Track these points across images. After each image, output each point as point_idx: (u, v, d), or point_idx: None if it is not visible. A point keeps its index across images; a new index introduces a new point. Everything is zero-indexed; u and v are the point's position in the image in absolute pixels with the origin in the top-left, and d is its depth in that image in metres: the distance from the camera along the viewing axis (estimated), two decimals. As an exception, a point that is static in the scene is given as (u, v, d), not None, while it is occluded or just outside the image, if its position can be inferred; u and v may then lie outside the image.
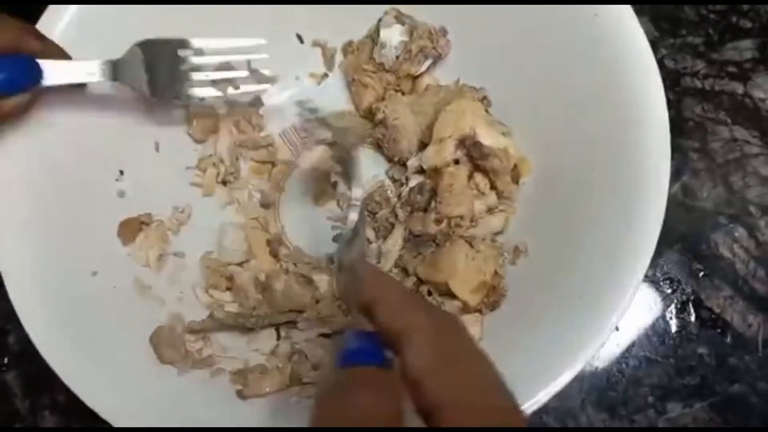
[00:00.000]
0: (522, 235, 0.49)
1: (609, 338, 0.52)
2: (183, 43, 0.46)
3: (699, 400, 0.52)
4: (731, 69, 0.60)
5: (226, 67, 0.48)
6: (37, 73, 0.41)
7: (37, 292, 0.43)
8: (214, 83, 0.48)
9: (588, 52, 0.47)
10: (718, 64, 0.60)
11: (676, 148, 0.56)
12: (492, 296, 0.46)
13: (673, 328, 0.54)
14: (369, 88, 0.54)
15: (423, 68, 0.54)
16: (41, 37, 0.42)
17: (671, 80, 0.59)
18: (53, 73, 0.41)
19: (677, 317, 0.54)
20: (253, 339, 0.49)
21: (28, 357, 0.54)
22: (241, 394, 0.45)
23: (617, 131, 0.45)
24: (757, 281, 0.55)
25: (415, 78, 0.54)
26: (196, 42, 0.47)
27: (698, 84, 0.59)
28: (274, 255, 0.52)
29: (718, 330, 0.54)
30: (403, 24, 0.53)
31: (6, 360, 0.54)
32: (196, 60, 0.47)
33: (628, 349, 0.53)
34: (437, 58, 0.54)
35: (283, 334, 0.50)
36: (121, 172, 0.49)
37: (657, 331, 0.54)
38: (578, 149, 0.48)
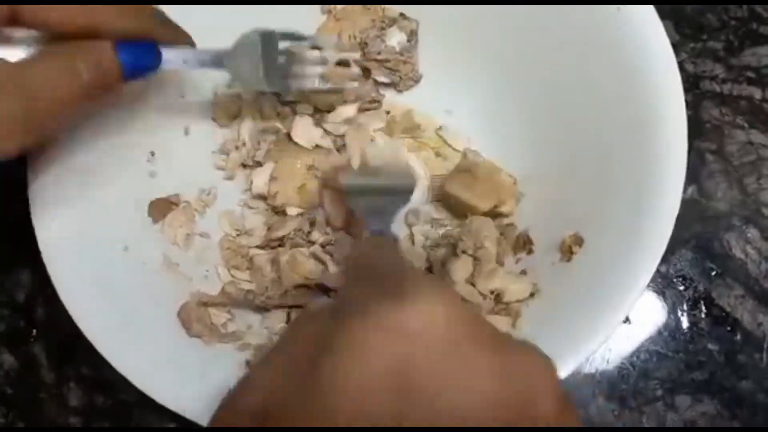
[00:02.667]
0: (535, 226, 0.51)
1: (621, 332, 0.54)
2: (278, 35, 0.48)
3: (707, 395, 0.53)
4: (750, 74, 0.61)
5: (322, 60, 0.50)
6: (159, 59, 0.42)
7: (72, 262, 0.44)
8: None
9: (609, 51, 0.48)
10: (737, 69, 0.61)
11: (693, 150, 0.58)
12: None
13: (685, 325, 0.55)
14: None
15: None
16: (170, 24, 0.42)
17: (691, 83, 0.60)
18: (171, 60, 0.42)
19: (689, 314, 0.55)
20: (267, 318, 0.51)
21: (56, 330, 0.56)
22: (249, 365, 0.46)
23: (635, 129, 0.46)
24: (767, 282, 0.56)
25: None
26: (288, 32, 0.48)
27: (717, 88, 0.60)
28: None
29: (728, 328, 0.55)
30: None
31: (34, 332, 0.56)
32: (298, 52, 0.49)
33: (640, 343, 0.55)
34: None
35: (294, 315, 0.51)
36: (152, 154, 0.51)
37: (668, 327, 0.55)
38: (595, 144, 0.49)
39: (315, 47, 0.50)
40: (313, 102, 0.54)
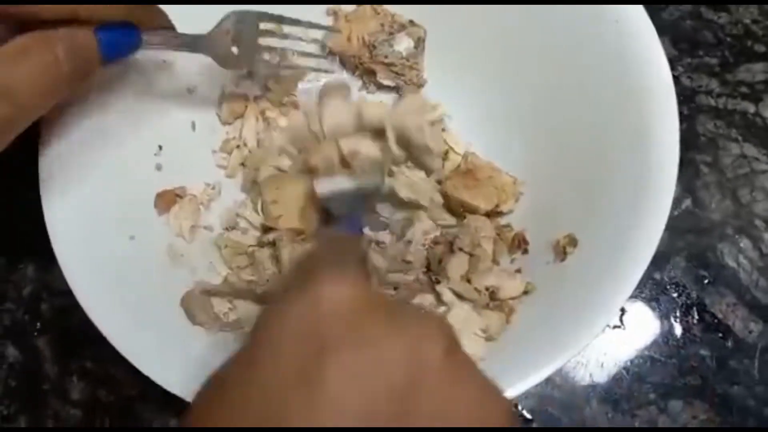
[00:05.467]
0: (530, 226, 0.52)
1: (615, 337, 0.55)
2: (264, 16, 0.49)
3: (699, 400, 0.54)
4: (744, 89, 0.62)
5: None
6: (138, 42, 0.41)
7: (81, 251, 0.45)
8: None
9: (607, 62, 0.50)
10: (732, 85, 0.62)
11: (688, 162, 0.59)
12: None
13: (677, 331, 0.56)
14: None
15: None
16: (149, 7, 0.42)
17: (686, 97, 0.62)
18: (150, 42, 0.42)
19: (681, 320, 0.56)
20: (267, 310, 0.51)
21: (60, 324, 0.56)
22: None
23: (630, 136, 0.48)
24: (759, 290, 0.57)
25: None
26: (274, 14, 0.49)
27: (712, 102, 0.62)
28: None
29: (720, 334, 0.56)
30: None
31: (38, 325, 0.57)
32: (272, 29, 0.50)
33: (634, 349, 0.55)
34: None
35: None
36: (160, 147, 0.52)
37: (662, 333, 0.56)
38: (591, 150, 0.50)
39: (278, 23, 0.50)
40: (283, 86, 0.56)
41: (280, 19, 0.50)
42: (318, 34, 0.56)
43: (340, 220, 0.48)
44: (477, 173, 0.52)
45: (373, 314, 0.30)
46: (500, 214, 0.53)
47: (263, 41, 0.50)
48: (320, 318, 0.29)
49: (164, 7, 0.43)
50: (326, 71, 0.56)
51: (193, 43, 0.45)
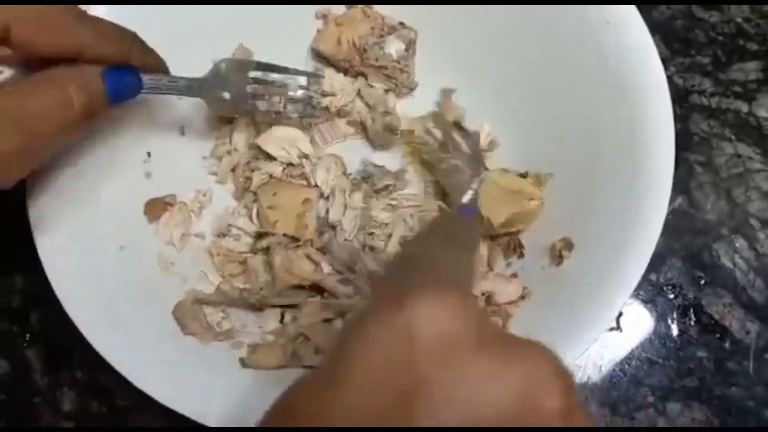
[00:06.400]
0: (526, 234, 0.52)
1: (613, 340, 0.55)
2: (253, 65, 0.51)
3: (697, 401, 0.54)
4: (737, 89, 0.62)
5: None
6: (139, 86, 0.43)
7: (69, 261, 0.45)
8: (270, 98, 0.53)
9: (600, 63, 0.49)
10: (725, 84, 0.62)
11: (682, 162, 0.59)
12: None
13: (675, 332, 0.55)
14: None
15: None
16: (148, 50, 0.44)
17: (680, 97, 0.61)
18: (150, 85, 0.44)
19: (678, 322, 0.56)
20: (260, 317, 0.51)
21: (50, 335, 0.56)
22: (243, 362, 0.46)
23: (625, 138, 0.47)
24: (755, 291, 0.56)
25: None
26: (262, 62, 0.52)
27: (705, 101, 0.62)
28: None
29: (717, 335, 0.55)
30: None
31: (28, 336, 0.56)
32: (261, 77, 0.52)
33: (631, 351, 0.55)
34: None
35: (288, 318, 0.51)
36: (149, 155, 0.51)
37: (659, 334, 0.55)
38: (586, 153, 0.50)
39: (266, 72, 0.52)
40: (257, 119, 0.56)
41: (269, 67, 0.52)
42: (304, 80, 0.56)
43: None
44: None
45: (477, 350, 0.26)
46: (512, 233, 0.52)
47: (252, 89, 0.51)
48: (415, 353, 0.26)
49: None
50: (313, 117, 0.56)
51: (187, 88, 0.47)
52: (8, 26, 0.36)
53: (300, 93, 0.54)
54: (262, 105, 0.52)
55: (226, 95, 0.49)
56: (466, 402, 0.25)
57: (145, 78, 0.43)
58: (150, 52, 0.44)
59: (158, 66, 0.45)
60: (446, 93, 0.56)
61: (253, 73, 0.51)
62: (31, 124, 0.36)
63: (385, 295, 0.29)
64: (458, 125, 0.54)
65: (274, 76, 0.52)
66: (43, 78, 0.38)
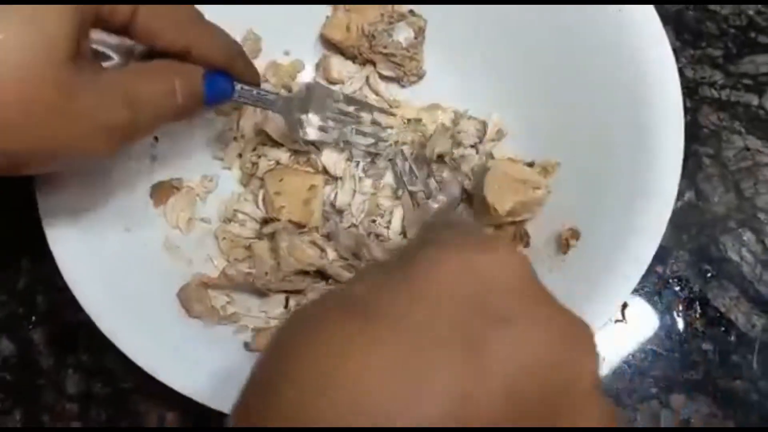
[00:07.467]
0: (532, 223, 0.51)
1: (617, 331, 0.55)
2: (339, 95, 0.53)
3: (702, 394, 0.53)
4: (747, 81, 0.62)
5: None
6: (231, 93, 0.45)
7: (75, 243, 0.45)
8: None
9: (610, 51, 0.49)
10: (735, 76, 0.62)
11: (691, 154, 0.58)
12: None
13: (680, 325, 0.55)
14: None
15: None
16: (249, 63, 0.46)
17: (690, 89, 0.61)
18: (241, 95, 0.46)
19: (684, 314, 0.56)
20: (265, 302, 0.51)
21: (55, 317, 0.56)
22: (248, 347, 0.47)
23: (634, 128, 0.47)
24: (762, 284, 0.56)
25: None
26: (347, 93, 0.54)
27: (715, 94, 0.61)
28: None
29: (723, 329, 0.55)
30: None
31: (33, 318, 0.56)
32: (338, 107, 0.53)
33: (636, 343, 0.55)
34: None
35: (292, 303, 0.51)
36: (156, 139, 0.52)
37: (664, 327, 0.55)
38: (594, 142, 0.50)
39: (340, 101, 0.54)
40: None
41: (351, 100, 0.54)
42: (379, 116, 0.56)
43: None
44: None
45: (547, 303, 0.28)
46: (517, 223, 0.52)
47: (333, 116, 0.53)
48: (499, 284, 0.27)
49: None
50: (378, 153, 0.56)
51: (274, 103, 0.48)
52: (136, 15, 0.37)
53: (370, 128, 0.55)
54: (334, 133, 0.53)
55: (305, 117, 0.51)
56: (533, 341, 0.26)
57: (238, 87, 0.45)
58: (251, 65, 0.46)
59: (254, 79, 0.47)
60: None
61: (336, 104, 0.53)
62: (139, 105, 0.37)
63: (457, 241, 0.29)
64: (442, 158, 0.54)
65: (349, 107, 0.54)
66: (153, 67, 0.40)
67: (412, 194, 0.54)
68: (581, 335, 0.27)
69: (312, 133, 0.52)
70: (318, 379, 0.24)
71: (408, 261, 0.28)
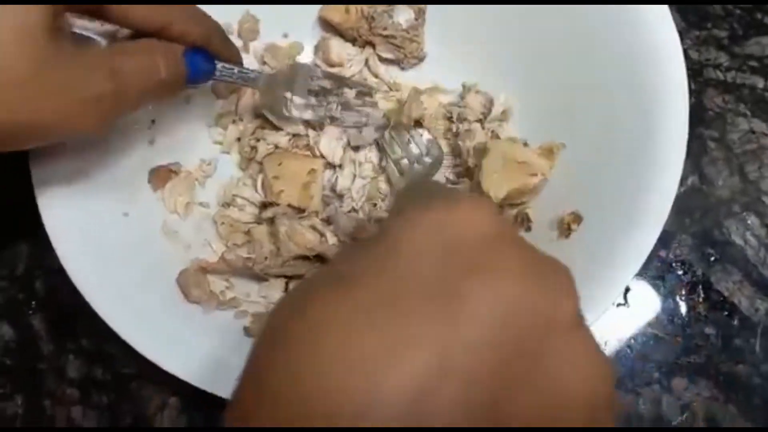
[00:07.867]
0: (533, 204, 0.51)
1: (620, 315, 0.54)
2: (319, 72, 0.53)
3: (704, 378, 0.53)
4: (753, 63, 0.61)
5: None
6: (212, 71, 0.45)
7: (73, 228, 0.45)
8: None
9: (615, 32, 0.48)
10: (741, 58, 0.61)
11: (695, 137, 0.58)
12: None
13: (683, 309, 0.55)
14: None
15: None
16: (227, 40, 0.46)
17: (694, 71, 0.60)
18: (222, 73, 0.46)
19: (687, 298, 0.55)
20: (264, 287, 0.51)
21: (55, 302, 0.56)
22: (247, 331, 0.47)
23: (638, 111, 0.47)
24: (766, 268, 0.56)
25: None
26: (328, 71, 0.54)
27: (720, 76, 0.61)
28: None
29: (726, 313, 0.55)
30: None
31: (33, 303, 0.56)
32: (319, 84, 0.53)
33: (638, 326, 0.55)
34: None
35: (292, 285, 0.51)
36: (153, 122, 0.51)
37: (666, 310, 0.55)
38: (597, 125, 0.49)
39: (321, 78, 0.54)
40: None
41: (331, 76, 0.54)
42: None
43: None
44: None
45: (519, 248, 0.28)
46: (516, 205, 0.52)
47: (312, 92, 0.53)
48: (468, 237, 0.27)
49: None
50: (365, 125, 0.55)
51: (256, 81, 0.49)
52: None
53: (354, 102, 0.55)
54: (320, 111, 0.53)
55: (288, 95, 0.51)
56: (511, 290, 0.26)
57: (219, 65, 0.45)
58: (229, 42, 0.47)
59: (234, 57, 0.47)
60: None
61: (318, 82, 0.53)
62: (123, 76, 0.38)
63: (424, 203, 0.30)
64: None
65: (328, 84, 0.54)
66: (136, 44, 0.41)
67: (396, 162, 0.54)
68: (556, 276, 0.28)
69: (297, 111, 0.52)
70: (308, 354, 0.25)
71: (381, 231, 0.29)
